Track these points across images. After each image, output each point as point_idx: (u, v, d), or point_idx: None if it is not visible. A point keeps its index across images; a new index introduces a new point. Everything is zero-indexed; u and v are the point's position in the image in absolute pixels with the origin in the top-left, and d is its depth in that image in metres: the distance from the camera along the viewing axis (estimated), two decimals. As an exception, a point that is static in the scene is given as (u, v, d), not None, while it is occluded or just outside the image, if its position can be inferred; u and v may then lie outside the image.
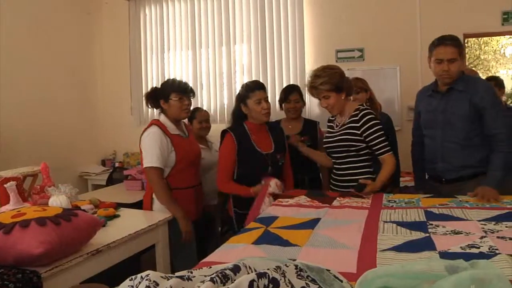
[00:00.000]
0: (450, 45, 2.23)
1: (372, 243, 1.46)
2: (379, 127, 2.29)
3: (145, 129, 2.46)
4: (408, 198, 2.14)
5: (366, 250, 1.40)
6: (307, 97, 4.07)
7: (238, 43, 4.33)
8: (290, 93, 3.10)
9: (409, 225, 1.65)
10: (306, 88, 2.39)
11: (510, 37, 4.14)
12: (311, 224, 1.72)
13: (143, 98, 2.58)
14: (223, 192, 2.59)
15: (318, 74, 2.29)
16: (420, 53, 3.71)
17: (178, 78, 4.36)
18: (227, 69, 4.36)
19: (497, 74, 3.56)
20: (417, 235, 1.53)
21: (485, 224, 1.60)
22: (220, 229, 3.47)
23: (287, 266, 0.78)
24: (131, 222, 2.25)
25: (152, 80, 4.67)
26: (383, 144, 2.29)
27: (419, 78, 3.72)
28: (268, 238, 1.54)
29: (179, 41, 4.53)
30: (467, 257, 1.22)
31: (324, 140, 2.47)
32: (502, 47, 9.36)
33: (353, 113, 2.33)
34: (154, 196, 2.46)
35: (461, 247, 1.37)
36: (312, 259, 1.20)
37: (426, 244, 1.41)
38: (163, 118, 2.48)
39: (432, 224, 1.64)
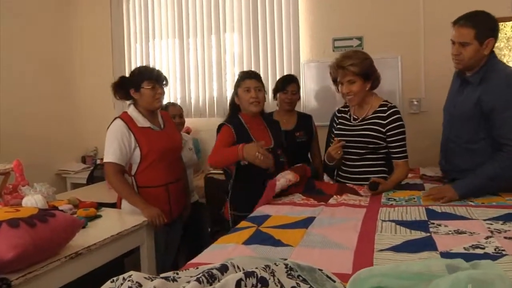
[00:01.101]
0: (463, 25, 2.06)
1: (369, 243, 1.48)
2: (404, 129, 2.32)
3: (111, 122, 2.47)
4: (408, 195, 2.17)
5: (362, 250, 1.41)
6: (304, 90, 4.13)
7: (229, 31, 4.31)
8: (289, 83, 3.12)
9: (409, 224, 1.67)
10: (330, 69, 2.37)
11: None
12: (305, 223, 1.73)
13: (111, 89, 2.55)
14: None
15: (349, 55, 2.31)
16: (423, 42, 3.72)
17: (164, 69, 4.44)
18: (216, 60, 4.34)
19: (510, 64, 3.59)
20: (417, 234, 1.54)
21: (491, 224, 1.62)
22: (210, 229, 3.51)
23: (277, 265, 0.79)
24: (113, 222, 2.25)
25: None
26: (403, 149, 2.33)
27: (421, 68, 3.74)
28: (259, 238, 1.55)
29: (165, 29, 4.51)
30: (471, 258, 1.23)
31: (336, 132, 2.47)
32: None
33: (379, 108, 2.35)
34: None
35: (464, 247, 1.38)
36: (305, 260, 1.20)
37: (426, 244, 1.43)
38: (131, 110, 2.48)
39: (433, 223, 1.66)
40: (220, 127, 2.49)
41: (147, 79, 2.44)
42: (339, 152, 2.33)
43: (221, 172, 3.56)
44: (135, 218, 2.27)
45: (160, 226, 2.35)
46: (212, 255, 1.40)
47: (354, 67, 2.26)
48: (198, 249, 3.27)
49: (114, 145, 2.38)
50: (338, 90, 2.40)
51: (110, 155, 2.38)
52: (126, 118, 2.44)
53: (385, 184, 2.22)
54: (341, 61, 2.29)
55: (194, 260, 1.35)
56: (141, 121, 2.47)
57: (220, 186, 3.30)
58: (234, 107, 2.53)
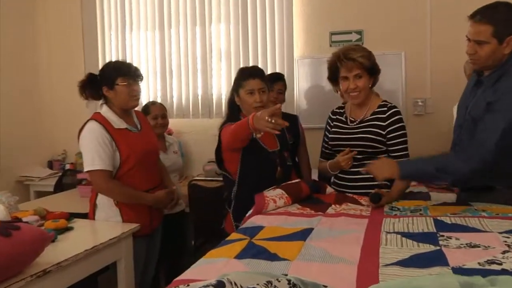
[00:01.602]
0: (480, 21, 1.98)
1: (373, 257, 1.48)
2: (405, 131, 2.35)
3: (83, 126, 2.45)
4: (414, 205, 2.18)
5: (366, 265, 1.41)
6: (297, 89, 4.15)
7: (215, 23, 4.32)
8: (275, 81, 3.15)
9: (416, 236, 1.68)
10: (332, 61, 2.37)
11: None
12: (303, 234, 1.73)
13: (78, 88, 2.53)
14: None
15: (353, 48, 2.34)
16: (429, 37, 3.78)
17: (143, 64, 4.42)
18: (201, 54, 4.34)
19: None
20: (426, 248, 1.55)
21: (508, 237, 1.62)
22: (193, 242, 3.51)
23: (279, 281, 0.79)
24: (87, 235, 2.24)
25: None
26: (405, 152, 2.35)
27: (427, 66, 3.79)
28: (252, 251, 1.54)
29: (144, 19, 4.50)
30: (487, 274, 1.22)
31: (331, 136, 2.48)
32: None
33: (378, 109, 2.37)
34: (97, 202, 2.48)
35: (479, 262, 1.39)
36: (305, 275, 1.21)
37: (436, 259, 1.43)
38: (105, 110, 2.47)
39: (443, 236, 1.66)
40: (223, 127, 2.45)
41: (122, 75, 2.44)
42: (349, 162, 2.33)
43: (208, 178, 3.58)
44: (111, 230, 2.25)
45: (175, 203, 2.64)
46: (201, 271, 1.39)
47: (363, 59, 2.28)
48: (179, 263, 3.31)
49: (96, 150, 2.36)
50: (338, 87, 2.41)
51: (95, 162, 2.36)
52: (100, 120, 2.43)
53: (388, 195, 2.23)
54: (349, 52, 2.30)
55: (182, 277, 1.34)
56: (117, 122, 2.46)
57: (208, 194, 3.30)
58: (234, 106, 2.50)
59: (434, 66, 3.79)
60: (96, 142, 2.36)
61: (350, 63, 2.28)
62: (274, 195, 2.20)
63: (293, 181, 2.41)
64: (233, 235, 1.78)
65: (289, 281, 0.80)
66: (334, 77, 2.40)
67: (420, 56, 3.83)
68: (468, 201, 2.19)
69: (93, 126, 2.41)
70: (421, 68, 3.82)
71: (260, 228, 1.84)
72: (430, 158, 2.07)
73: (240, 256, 1.51)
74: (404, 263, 1.42)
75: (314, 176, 3.02)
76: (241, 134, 2.20)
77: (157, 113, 3.25)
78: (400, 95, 3.93)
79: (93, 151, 2.36)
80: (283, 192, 2.24)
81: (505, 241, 1.58)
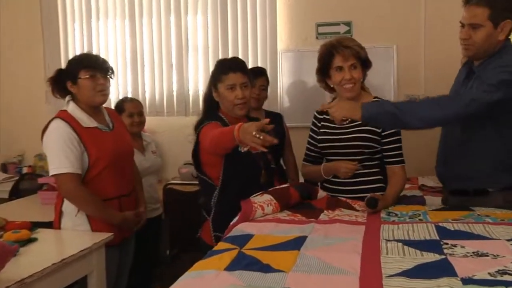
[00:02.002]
0: (477, 4, 2.07)
1: (375, 267, 1.48)
2: (399, 129, 2.37)
3: (47, 125, 2.41)
4: (412, 210, 2.20)
5: (369, 276, 1.41)
6: (280, 85, 4.14)
7: (191, 13, 4.29)
8: (257, 77, 3.14)
9: (418, 244, 1.69)
10: (324, 51, 2.38)
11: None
12: (296, 243, 1.73)
13: (48, 84, 2.52)
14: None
15: (349, 38, 2.42)
16: (423, 29, 3.82)
17: (111, 57, 4.36)
18: (176, 47, 4.31)
19: None
20: (430, 257, 1.56)
21: (516, 245, 1.64)
22: (168, 252, 3.48)
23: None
24: (53, 247, 2.21)
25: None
26: (400, 152, 2.37)
27: (421, 60, 3.84)
28: (244, 262, 1.53)
29: (112, 7, 4.44)
30: (499, 286, 1.25)
31: (321, 138, 2.48)
32: None
33: None
34: (63, 209, 2.44)
35: (489, 273, 1.39)
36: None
37: (443, 269, 1.44)
38: (72, 108, 2.44)
39: (447, 244, 1.68)
40: (201, 126, 2.37)
41: (85, 67, 2.40)
42: (349, 174, 2.35)
43: (185, 182, 3.55)
44: (81, 240, 2.21)
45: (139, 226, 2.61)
46: (189, 284, 1.38)
47: (359, 49, 2.32)
48: (152, 273, 3.27)
49: (63, 151, 2.32)
50: (327, 81, 2.41)
51: (63, 164, 2.31)
52: (67, 118, 2.39)
53: (384, 199, 2.24)
54: (343, 41, 2.33)
55: (169, 292, 1.32)
56: (86, 121, 2.42)
57: (185, 199, 3.28)
58: (212, 103, 2.45)
59: (428, 61, 3.83)
60: (63, 143, 2.32)
61: (347, 51, 2.29)
62: (262, 201, 2.17)
63: (282, 186, 2.38)
64: (221, 245, 1.76)
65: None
66: (325, 69, 2.39)
67: (413, 49, 3.88)
68: (461, 205, 2.23)
69: (58, 124, 2.36)
70: (414, 62, 3.87)
71: (249, 236, 1.83)
72: (397, 102, 2.14)
73: (230, 267, 1.49)
74: (409, 273, 1.42)
75: (301, 178, 3.03)
76: (224, 144, 2.15)
77: (132, 110, 3.21)
78: (391, 91, 3.96)
79: (60, 153, 2.32)
80: (272, 198, 2.21)
81: (515, 250, 1.60)
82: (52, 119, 2.41)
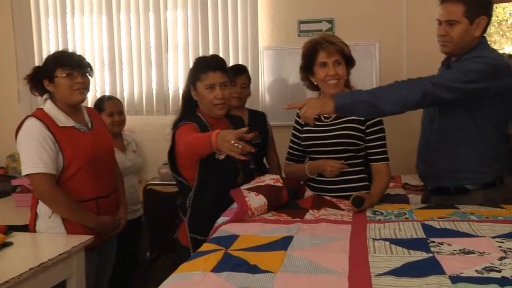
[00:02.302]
0: (450, 2, 2.19)
1: (363, 267, 1.49)
2: (383, 126, 2.40)
3: (21, 123, 2.38)
4: (397, 209, 2.22)
5: (358, 276, 1.42)
6: (261, 83, 4.15)
7: (171, 8, 4.27)
8: (238, 74, 3.14)
9: (405, 243, 1.71)
10: (309, 47, 2.39)
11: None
12: (282, 243, 1.73)
13: (27, 82, 2.49)
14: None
15: (331, 35, 2.45)
16: (406, 26, 3.86)
17: (88, 54, 4.31)
18: (155, 44, 4.29)
19: (500, 51, 3.84)
20: (418, 255, 1.58)
21: (502, 242, 1.67)
22: (149, 254, 3.46)
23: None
24: (30, 251, 2.17)
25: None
26: (384, 149, 2.40)
27: (404, 57, 3.88)
28: (231, 264, 1.53)
29: (88, 2, 4.39)
30: (487, 283, 1.27)
31: (305, 136, 2.49)
32: (510, 15, 9.46)
33: None
34: (38, 211, 2.42)
35: (476, 270, 1.42)
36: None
37: (431, 267, 1.46)
38: (48, 106, 2.41)
39: (434, 242, 1.70)
40: (177, 126, 2.34)
41: (62, 65, 2.38)
42: (335, 173, 2.36)
43: (165, 183, 3.53)
44: (59, 244, 2.19)
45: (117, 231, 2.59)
46: (176, 287, 1.36)
47: (344, 45, 2.35)
48: (131, 276, 3.24)
49: (37, 151, 2.29)
50: (310, 78, 2.42)
51: (36, 164, 2.29)
52: (42, 117, 2.36)
53: (370, 198, 2.26)
54: (327, 37, 2.36)
55: (155, 295, 1.31)
56: (63, 120, 2.40)
57: (165, 199, 3.26)
58: (191, 102, 2.42)
59: (410, 58, 3.88)
60: (36, 142, 2.29)
61: (332, 47, 2.32)
62: (256, 207, 2.14)
63: (277, 185, 2.33)
64: (206, 246, 1.75)
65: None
66: (309, 65, 2.40)
67: (396, 47, 3.92)
68: (442, 204, 2.27)
69: (32, 123, 2.33)
70: (397, 60, 3.90)
71: (234, 237, 1.83)
72: (365, 91, 2.12)
73: (217, 269, 1.49)
74: (397, 272, 1.44)
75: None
76: (200, 151, 2.12)
77: (112, 109, 3.18)
78: (374, 89, 3.98)
79: (33, 152, 2.29)
80: (265, 202, 2.18)
81: (500, 247, 1.63)
82: (27, 117, 2.38)
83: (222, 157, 2.05)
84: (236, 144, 1.85)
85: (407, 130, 3.73)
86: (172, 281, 1.43)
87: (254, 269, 1.48)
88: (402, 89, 2.10)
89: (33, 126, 2.32)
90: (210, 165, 2.30)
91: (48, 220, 2.39)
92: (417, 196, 3.07)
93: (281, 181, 2.37)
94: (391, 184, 3.25)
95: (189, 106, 2.42)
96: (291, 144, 2.61)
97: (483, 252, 1.58)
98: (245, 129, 1.95)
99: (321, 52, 2.33)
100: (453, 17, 2.18)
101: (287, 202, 2.31)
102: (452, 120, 2.28)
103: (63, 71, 2.37)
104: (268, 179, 2.37)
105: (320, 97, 2.22)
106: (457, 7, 2.18)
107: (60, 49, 4.36)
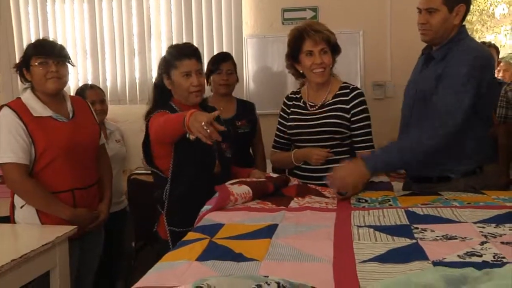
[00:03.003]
0: None
1: (348, 254, 1.50)
2: (369, 114, 2.41)
3: None
4: (381, 196, 2.23)
5: (342, 262, 1.43)
6: (246, 71, 4.14)
7: (153, -5, 4.23)
8: (222, 61, 3.13)
9: (389, 229, 1.72)
10: (294, 35, 2.39)
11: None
12: (267, 231, 1.73)
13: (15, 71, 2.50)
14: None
15: (317, 22, 2.46)
16: (389, 14, 3.88)
17: (69, 42, 4.26)
18: (138, 31, 4.25)
19: (481, 40, 3.91)
20: (402, 241, 1.59)
21: (483, 227, 1.70)
22: (134, 244, 3.44)
23: (268, 284, 0.78)
24: (11, 242, 2.17)
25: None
26: (369, 137, 2.41)
27: (387, 46, 3.90)
28: (216, 252, 1.53)
29: (68, -11, 4.32)
30: (468, 267, 1.28)
31: (290, 124, 2.49)
32: (491, 5, 9.19)
33: (340, 91, 2.41)
34: (15, 201, 2.42)
35: (458, 255, 1.44)
36: (277, 276, 1.19)
37: (414, 253, 1.47)
38: (26, 96, 2.41)
39: (417, 228, 1.72)
40: (150, 116, 2.33)
41: (36, 54, 2.37)
42: (321, 161, 2.37)
43: (149, 172, 3.50)
44: (42, 234, 2.19)
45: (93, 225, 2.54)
46: (161, 276, 1.35)
47: (330, 33, 2.36)
48: (116, 268, 3.23)
49: (9, 141, 2.28)
50: (296, 66, 2.42)
51: (8, 153, 2.28)
52: (16, 106, 2.35)
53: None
54: (314, 25, 2.36)
55: (140, 284, 1.30)
56: (39, 109, 2.38)
57: (149, 189, 3.22)
58: (164, 91, 2.39)
59: (394, 47, 3.90)
60: (7, 131, 2.29)
61: (318, 35, 2.32)
62: (239, 193, 2.14)
63: (261, 180, 2.35)
64: (191, 235, 1.75)
65: (278, 283, 0.80)
66: (295, 53, 2.40)
67: (380, 35, 3.94)
68: (423, 192, 2.29)
69: (5, 113, 2.33)
70: (381, 48, 3.93)
71: (219, 226, 1.83)
72: (393, 147, 2.21)
73: (202, 257, 1.49)
74: (381, 258, 1.45)
75: (269, 166, 3.05)
76: (172, 129, 2.11)
77: (94, 98, 3.14)
78: (358, 78, 4.01)
79: (4, 142, 2.29)
80: (249, 190, 2.18)
81: (481, 231, 1.66)
82: (2, 106, 2.37)
83: (193, 137, 2.01)
84: (205, 128, 1.87)
85: (392, 117, 3.76)
86: (156, 270, 1.42)
87: (239, 257, 1.49)
88: (424, 139, 2.16)
89: (4, 116, 2.32)
90: (184, 154, 2.28)
91: (24, 210, 2.38)
92: (400, 183, 3.10)
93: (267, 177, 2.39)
94: (376, 173, 3.29)
95: (162, 96, 2.40)
96: (277, 132, 2.61)
97: (465, 238, 1.60)
98: (217, 112, 1.97)
99: (307, 40, 2.33)
100: (433, 5, 2.22)
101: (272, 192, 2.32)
102: (426, 111, 2.28)
103: (37, 59, 2.36)
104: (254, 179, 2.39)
105: (351, 166, 2.18)
106: None
107: (41, 38, 4.35)
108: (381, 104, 3.93)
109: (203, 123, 1.87)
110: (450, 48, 2.26)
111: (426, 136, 2.17)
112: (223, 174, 2.37)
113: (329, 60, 2.36)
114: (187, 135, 2.02)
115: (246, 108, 3.24)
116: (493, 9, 8.83)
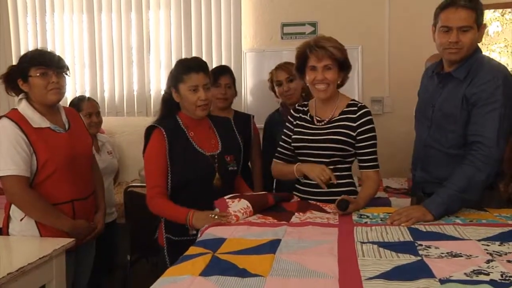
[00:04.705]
0: (464, 7, 2.12)
1: (353, 270, 1.49)
2: (375, 134, 2.38)
3: None
4: (383, 212, 2.22)
5: (348, 279, 1.42)
6: (245, 85, 4.14)
7: (153, 8, 4.25)
8: (221, 75, 3.12)
9: (393, 246, 1.71)
10: (300, 50, 2.37)
11: (495, 11, 4.52)
12: (270, 247, 1.72)
13: (2, 82, 2.44)
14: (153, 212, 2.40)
15: (328, 38, 2.35)
16: (388, 30, 3.90)
17: (68, 54, 4.25)
18: (137, 44, 4.26)
19: None
20: (407, 258, 1.58)
21: (487, 245, 1.69)
22: (129, 257, 3.40)
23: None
24: (7, 255, 2.13)
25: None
26: (375, 156, 2.38)
27: (385, 61, 3.92)
28: (219, 267, 1.51)
29: (68, 1, 4.33)
30: (475, 285, 1.27)
31: (295, 137, 2.47)
32: (485, 23, 9.77)
33: (348, 109, 2.39)
34: (11, 213, 2.38)
35: (465, 273, 1.43)
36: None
37: (420, 270, 1.46)
38: (23, 107, 2.36)
39: (421, 245, 1.71)
40: (149, 131, 2.36)
41: (36, 64, 2.33)
42: (323, 180, 2.30)
43: (145, 184, 3.47)
44: (38, 247, 2.15)
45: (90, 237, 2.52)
46: (165, 292, 1.34)
47: (335, 50, 2.29)
48: (108, 281, 3.17)
49: (9, 153, 2.24)
50: (304, 79, 2.41)
51: (9, 166, 2.24)
52: (16, 118, 2.31)
53: (356, 202, 2.26)
54: (320, 41, 2.32)
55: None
56: (37, 121, 2.34)
57: (144, 202, 3.19)
58: (172, 104, 2.41)
59: (392, 62, 3.92)
60: (9, 143, 2.24)
61: (321, 51, 2.28)
62: (238, 210, 2.13)
63: (260, 193, 2.38)
64: (192, 249, 1.73)
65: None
66: (301, 67, 2.39)
67: (378, 50, 3.96)
68: None
69: (5, 124, 2.28)
70: (379, 64, 3.94)
71: (221, 240, 1.81)
72: (450, 189, 2.10)
73: (206, 273, 1.47)
74: (387, 275, 1.44)
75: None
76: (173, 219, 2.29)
77: (91, 110, 3.13)
78: (356, 93, 4.01)
79: (5, 154, 2.24)
80: (248, 205, 2.17)
81: (486, 249, 1.65)
82: (0, 117, 2.33)
83: (193, 232, 2.21)
84: (212, 215, 2.10)
85: (390, 132, 3.77)
86: (159, 285, 1.40)
87: (243, 273, 1.47)
88: (476, 176, 2.09)
89: (5, 128, 2.27)
90: (183, 166, 2.32)
91: (20, 223, 2.34)
92: (398, 199, 3.08)
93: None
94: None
95: (169, 108, 2.42)
96: (282, 143, 2.58)
97: (471, 255, 1.59)
98: (216, 211, 2.15)
99: (311, 56, 2.31)
100: (467, 22, 2.13)
101: (273, 206, 2.30)
102: (454, 131, 2.25)
103: (37, 70, 2.32)
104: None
105: (412, 207, 2.16)
106: (470, 12, 2.13)
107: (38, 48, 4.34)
108: (379, 119, 3.92)
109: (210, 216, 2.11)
110: (471, 66, 2.19)
111: (480, 170, 2.10)
112: (225, 187, 2.36)
113: (333, 77, 2.33)
114: (188, 228, 2.23)
115: (242, 120, 3.21)
116: (487, 28, 9.00)
